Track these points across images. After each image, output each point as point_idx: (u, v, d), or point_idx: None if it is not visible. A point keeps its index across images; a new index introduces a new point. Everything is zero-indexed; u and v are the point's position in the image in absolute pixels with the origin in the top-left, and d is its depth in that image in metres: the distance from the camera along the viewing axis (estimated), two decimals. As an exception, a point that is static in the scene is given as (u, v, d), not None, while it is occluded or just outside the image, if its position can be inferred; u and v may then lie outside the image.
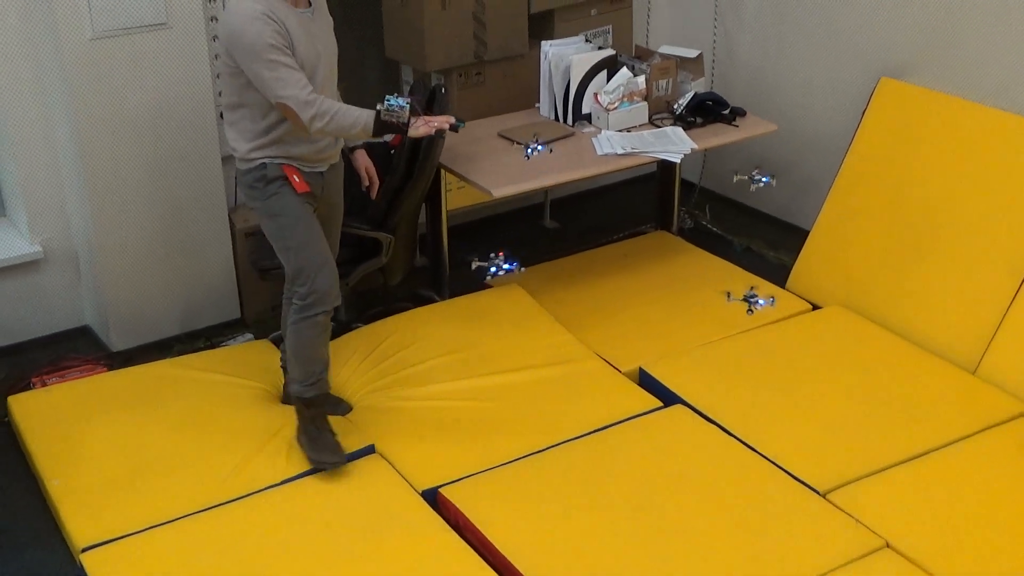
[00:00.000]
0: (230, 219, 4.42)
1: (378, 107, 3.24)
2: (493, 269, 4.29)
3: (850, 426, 3.66)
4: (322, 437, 3.46)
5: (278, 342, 4.23)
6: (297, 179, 3.40)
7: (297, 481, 3.45)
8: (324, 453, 3.43)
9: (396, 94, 3.29)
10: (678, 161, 4.39)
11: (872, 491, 3.38)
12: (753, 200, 5.29)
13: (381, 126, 3.24)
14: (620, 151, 4.27)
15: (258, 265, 4.14)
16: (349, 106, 3.28)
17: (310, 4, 3.40)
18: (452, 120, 3.38)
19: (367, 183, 3.81)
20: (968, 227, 4.13)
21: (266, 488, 3.43)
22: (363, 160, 3.82)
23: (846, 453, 3.54)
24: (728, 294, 4.39)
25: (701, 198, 5.45)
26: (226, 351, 4.23)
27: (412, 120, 3.27)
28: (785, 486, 3.41)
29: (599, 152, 4.29)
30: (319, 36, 3.40)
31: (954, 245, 4.15)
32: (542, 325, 4.24)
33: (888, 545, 3.18)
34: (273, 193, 3.42)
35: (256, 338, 4.37)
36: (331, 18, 3.54)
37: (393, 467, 3.50)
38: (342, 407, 3.74)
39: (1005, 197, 4.04)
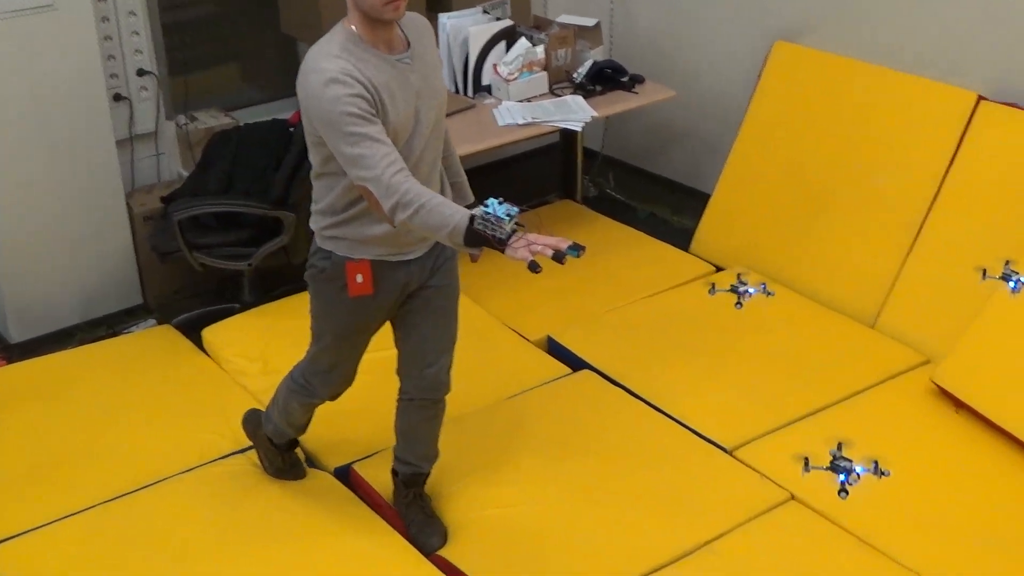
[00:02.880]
0: (127, 204, 4.33)
1: (474, 212, 2.49)
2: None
3: (754, 384, 3.72)
4: (289, 467, 3.37)
5: (182, 327, 4.18)
6: (360, 279, 2.81)
7: (205, 467, 3.42)
8: (287, 476, 3.37)
9: (501, 199, 2.50)
10: (579, 129, 4.41)
11: (777, 446, 3.45)
12: (655, 166, 5.34)
13: (473, 236, 2.47)
14: (521, 121, 4.28)
15: (158, 249, 4.07)
16: (444, 201, 2.54)
17: (408, 45, 2.71)
18: (564, 246, 2.46)
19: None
20: (864, 185, 4.21)
21: (176, 475, 3.39)
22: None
23: (751, 411, 3.60)
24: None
25: (604, 166, 5.49)
26: (129, 338, 4.16)
27: (513, 237, 2.46)
28: (693, 445, 3.47)
29: (500, 123, 4.30)
30: (421, 87, 2.70)
31: (851, 204, 4.24)
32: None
33: (793, 497, 3.25)
34: (326, 291, 2.90)
35: (159, 323, 4.30)
36: (439, 59, 2.90)
37: (302, 447, 3.49)
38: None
39: (898, 155, 4.13)
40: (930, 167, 4.03)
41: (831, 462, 3.33)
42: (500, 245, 2.45)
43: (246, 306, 4.23)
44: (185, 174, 4.40)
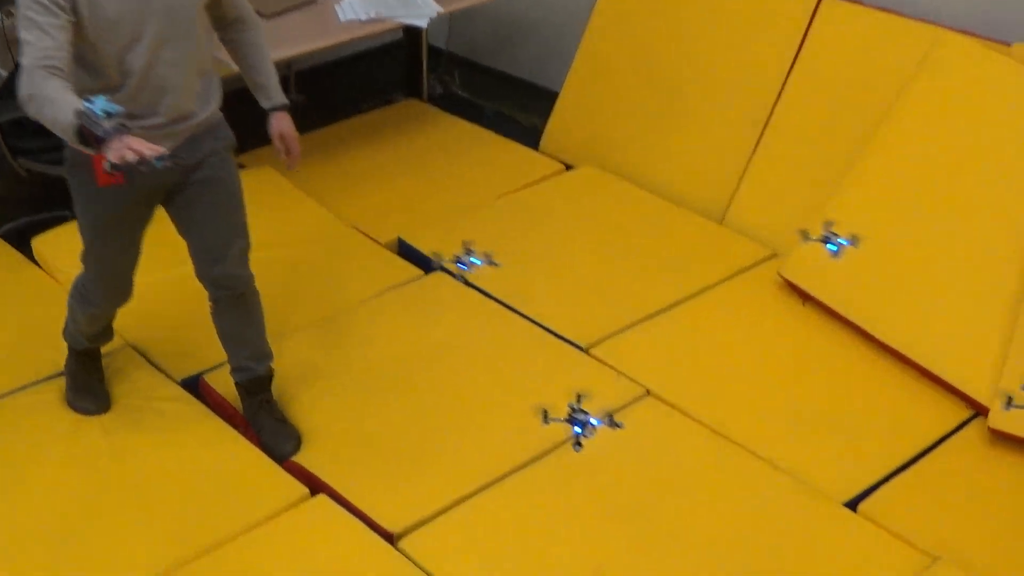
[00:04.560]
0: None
1: (79, 108, 2.36)
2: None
3: (607, 282, 3.73)
4: (87, 384, 3.19)
5: (8, 237, 3.95)
6: (108, 167, 2.59)
7: (42, 384, 3.26)
8: (85, 400, 3.18)
9: (109, 97, 2.42)
10: (424, 27, 4.28)
11: (632, 342, 3.47)
12: (502, 64, 5.26)
13: (81, 134, 2.35)
14: (364, 17, 4.13)
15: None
16: (63, 97, 2.39)
17: None
18: (157, 152, 2.34)
19: (283, 155, 3.01)
20: (712, 82, 4.22)
21: (10, 393, 3.22)
22: (279, 124, 2.98)
23: (605, 308, 3.62)
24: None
25: (450, 63, 5.37)
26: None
27: (113, 135, 2.30)
28: (549, 343, 3.46)
29: (342, 19, 4.13)
30: None
31: (699, 100, 4.24)
32: (296, 203, 4.12)
33: (649, 392, 3.28)
34: (78, 183, 2.76)
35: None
36: None
37: (148, 359, 3.35)
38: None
39: (745, 52, 4.14)
40: (775, 63, 4.05)
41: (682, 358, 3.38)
42: (98, 143, 2.33)
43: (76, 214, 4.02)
44: (4, 74, 4.13)
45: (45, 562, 2.71)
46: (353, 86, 5.25)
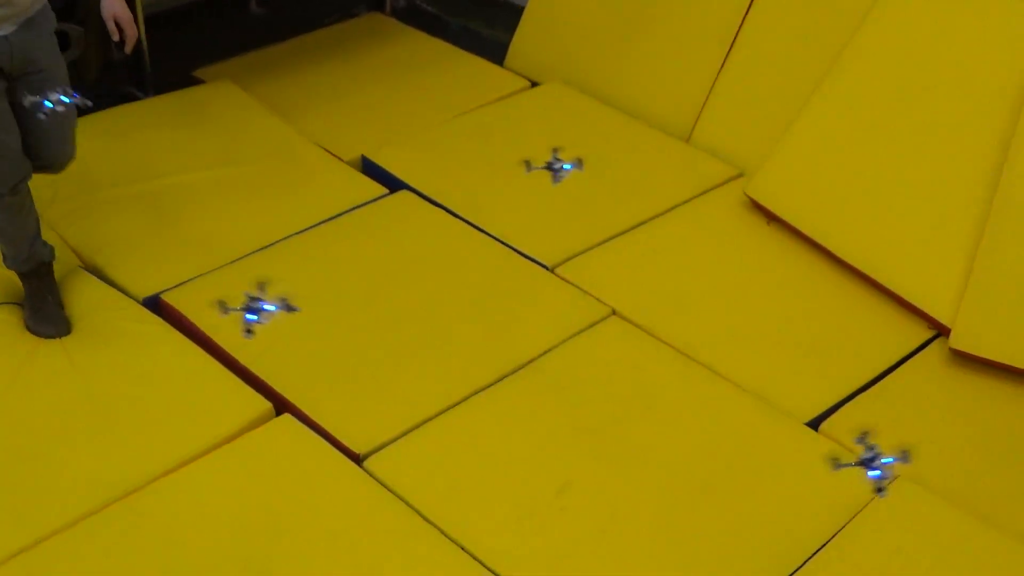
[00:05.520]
0: None
1: None
2: (47, 103, 3.07)
3: (571, 201, 3.71)
4: (44, 308, 3.15)
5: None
6: None
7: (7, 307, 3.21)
8: (44, 325, 3.13)
9: None
10: (387, -64, 4.20)
11: (597, 262, 3.46)
12: (467, -23, 5.17)
13: None
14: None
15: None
16: None
17: None
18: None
19: (117, 37, 3.06)
20: (678, -3, 4.17)
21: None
22: (110, 7, 3.03)
23: (570, 228, 3.60)
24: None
25: (414, -23, 5.27)
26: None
27: None
28: (515, 263, 3.45)
29: (304, -71, 4.04)
30: None
31: (666, 16, 4.19)
32: (257, 118, 4.04)
33: (615, 312, 3.28)
34: None
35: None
36: None
37: (108, 279, 3.31)
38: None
39: (712, -35, 4.08)
40: (742, -22, 4.01)
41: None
42: None
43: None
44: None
45: (10, 482, 2.69)
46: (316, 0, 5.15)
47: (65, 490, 2.68)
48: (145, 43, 4.15)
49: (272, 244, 3.46)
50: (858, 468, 2.82)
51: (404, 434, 2.86)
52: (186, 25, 4.70)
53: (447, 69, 4.42)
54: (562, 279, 3.39)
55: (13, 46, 2.80)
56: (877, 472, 2.81)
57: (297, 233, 3.52)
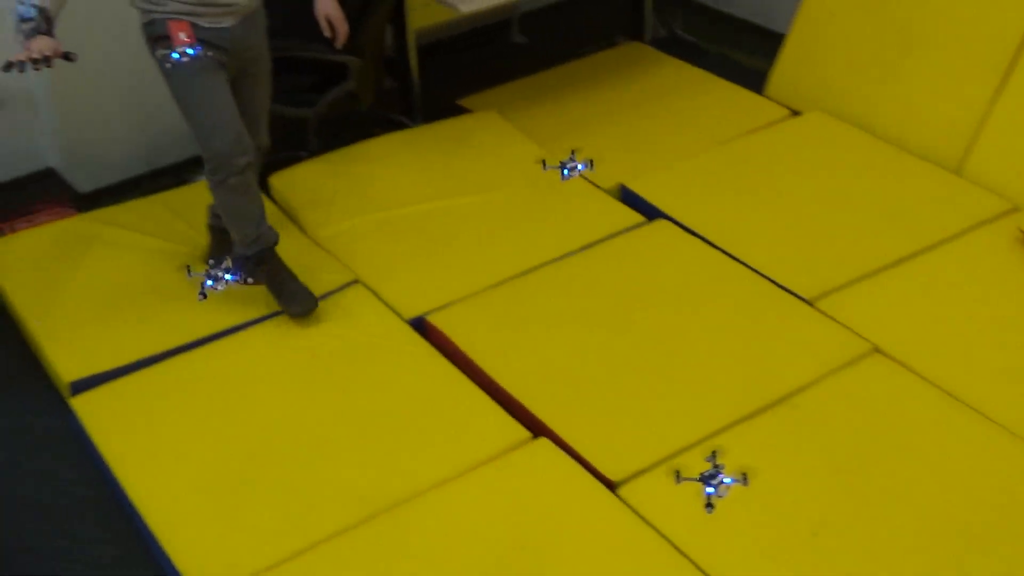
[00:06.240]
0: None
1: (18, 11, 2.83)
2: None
3: (834, 232, 3.63)
4: (285, 289, 3.36)
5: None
6: (184, 36, 3.04)
7: (275, 319, 3.41)
8: (291, 305, 3.35)
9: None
10: (650, -33, 4.24)
11: (859, 296, 3.37)
12: (727, 5, 5.14)
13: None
14: (591, -41, 4.11)
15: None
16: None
17: None
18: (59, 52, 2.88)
19: (328, 33, 3.35)
20: (948, 24, 4.02)
21: (253, 322, 3.39)
22: (324, 6, 3.33)
23: (831, 260, 3.52)
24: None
25: (673, 6, 5.28)
26: (196, 187, 4.12)
27: (30, 32, 2.85)
28: (772, 295, 3.40)
29: (569, -39, 4.13)
30: None
31: (934, 43, 4.05)
32: (518, 146, 4.15)
33: (877, 349, 3.19)
34: (164, 51, 3.10)
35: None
36: None
37: (379, 297, 3.46)
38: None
39: (988, -10, 3.92)
40: (1018, 3, 3.82)
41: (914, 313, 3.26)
42: (22, 36, 2.83)
43: (312, 153, 4.17)
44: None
45: (285, 488, 2.86)
46: (576, 28, 5.23)
47: (333, 500, 2.83)
48: (416, 74, 4.33)
49: (532, 270, 3.54)
50: None
51: (659, 463, 2.87)
52: (452, 54, 4.87)
53: (706, 98, 4.41)
54: (822, 313, 3.32)
55: (234, 33, 3.12)
56: None
57: (556, 259, 3.58)
